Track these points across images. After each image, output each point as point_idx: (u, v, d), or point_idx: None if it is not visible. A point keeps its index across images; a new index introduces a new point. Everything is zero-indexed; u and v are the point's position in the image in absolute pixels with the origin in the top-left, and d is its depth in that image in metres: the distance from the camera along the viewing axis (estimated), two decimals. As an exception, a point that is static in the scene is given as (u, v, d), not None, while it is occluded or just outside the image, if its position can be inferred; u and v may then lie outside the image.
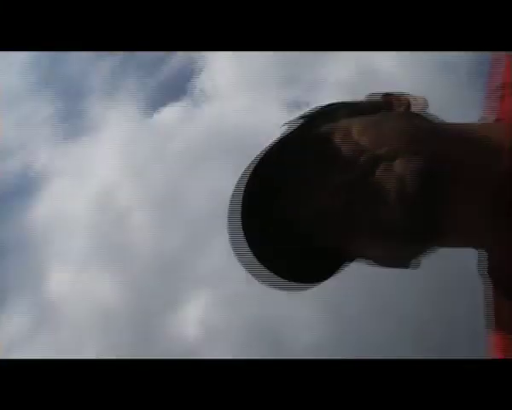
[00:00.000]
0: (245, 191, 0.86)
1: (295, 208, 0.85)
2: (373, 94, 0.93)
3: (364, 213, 0.80)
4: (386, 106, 0.90)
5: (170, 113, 10.46)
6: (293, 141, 0.86)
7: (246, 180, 0.86)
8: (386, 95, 0.92)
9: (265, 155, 0.86)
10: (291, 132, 0.88)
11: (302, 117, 0.90)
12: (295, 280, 0.88)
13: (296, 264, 0.87)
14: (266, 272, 0.87)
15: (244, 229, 0.86)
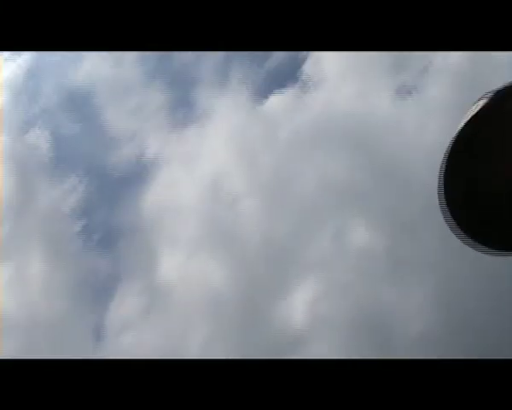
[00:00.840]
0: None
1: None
2: None
3: None
4: None
5: (279, 100, 10.53)
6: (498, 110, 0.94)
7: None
8: None
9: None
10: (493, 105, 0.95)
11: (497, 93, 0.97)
12: (502, 249, 0.94)
13: (501, 233, 0.93)
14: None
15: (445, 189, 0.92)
